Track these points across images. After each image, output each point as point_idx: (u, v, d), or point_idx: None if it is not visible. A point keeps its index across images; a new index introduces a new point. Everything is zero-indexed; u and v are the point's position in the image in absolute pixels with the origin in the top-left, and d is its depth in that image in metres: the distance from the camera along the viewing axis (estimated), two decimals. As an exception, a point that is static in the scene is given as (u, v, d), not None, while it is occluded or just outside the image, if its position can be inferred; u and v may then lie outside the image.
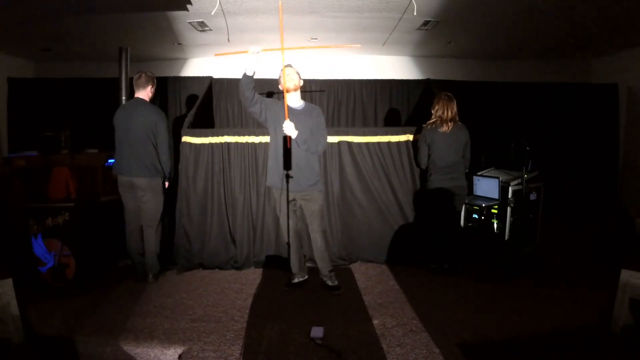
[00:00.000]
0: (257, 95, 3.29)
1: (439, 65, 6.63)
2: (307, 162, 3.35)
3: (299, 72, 3.41)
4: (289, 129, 3.17)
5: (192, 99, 5.76)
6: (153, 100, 3.79)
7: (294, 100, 3.37)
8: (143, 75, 3.66)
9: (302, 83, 3.41)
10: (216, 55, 3.72)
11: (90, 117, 5.59)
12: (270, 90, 5.67)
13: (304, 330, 2.79)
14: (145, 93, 3.68)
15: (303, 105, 3.40)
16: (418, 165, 4.06)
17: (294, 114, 3.29)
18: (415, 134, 4.15)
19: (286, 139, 3.23)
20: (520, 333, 2.78)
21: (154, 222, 3.71)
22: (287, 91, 3.31)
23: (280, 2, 3.33)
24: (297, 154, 3.30)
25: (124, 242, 3.81)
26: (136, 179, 3.59)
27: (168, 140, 3.70)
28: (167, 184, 3.82)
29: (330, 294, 3.45)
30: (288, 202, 3.39)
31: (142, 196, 3.64)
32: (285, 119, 3.18)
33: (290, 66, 3.38)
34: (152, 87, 3.73)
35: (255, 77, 3.19)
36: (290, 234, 3.50)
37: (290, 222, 3.47)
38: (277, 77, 3.49)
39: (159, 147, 3.64)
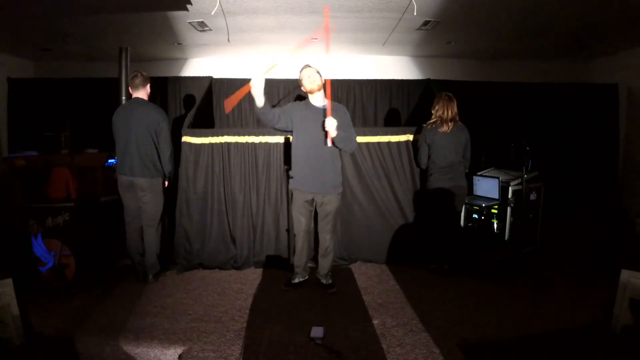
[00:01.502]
0: (277, 113, 3.25)
1: (439, 65, 6.62)
2: (333, 163, 3.35)
3: (320, 71, 3.35)
4: (332, 126, 3.09)
5: (191, 99, 5.76)
6: (153, 100, 3.80)
7: (318, 100, 3.35)
8: (139, 75, 3.66)
9: (324, 81, 3.35)
10: (227, 109, 3.49)
11: (90, 117, 5.58)
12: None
13: (304, 330, 2.79)
14: (144, 92, 3.68)
15: (326, 103, 3.38)
16: (418, 165, 4.06)
17: (319, 113, 3.28)
18: (415, 134, 4.15)
19: (325, 137, 3.16)
20: (520, 333, 2.79)
21: (154, 221, 3.71)
22: (312, 92, 3.30)
23: (326, 6, 3.24)
24: (324, 154, 3.29)
25: (124, 242, 3.82)
26: (137, 179, 3.59)
27: (170, 139, 3.70)
28: (166, 183, 3.82)
29: (327, 293, 3.46)
30: (289, 198, 3.39)
31: (143, 196, 3.64)
32: (308, 119, 3.21)
33: (309, 66, 3.33)
34: (149, 85, 3.73)
35: (249, 77, 3.13)
36: (302, 233, 3.50)
37: (304, 221, 3.47)
38: (297, 78, 3.45)
39: (161, 146, 3.64)
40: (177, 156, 4.06)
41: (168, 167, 3.71)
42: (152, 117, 3.58)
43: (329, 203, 3.40)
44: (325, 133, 3.14)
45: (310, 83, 3.29)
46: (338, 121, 3.23)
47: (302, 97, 3.78)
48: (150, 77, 3.75)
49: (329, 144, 3.16)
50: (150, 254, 3.73)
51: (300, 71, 3.36)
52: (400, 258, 4.11)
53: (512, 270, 3.86)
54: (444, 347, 2.60)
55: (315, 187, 3.35)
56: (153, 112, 3.62)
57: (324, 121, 3.14)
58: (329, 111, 3.14)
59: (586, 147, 6.07)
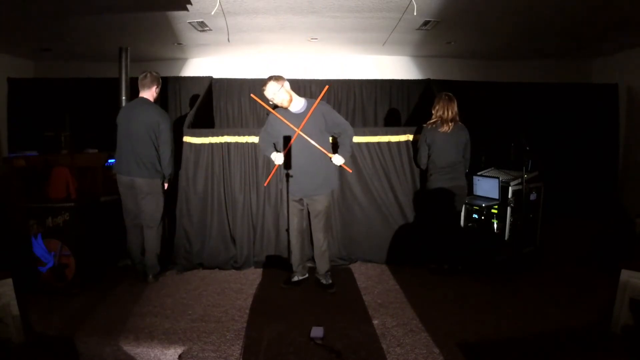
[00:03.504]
0: (269, 140, 3.46)
1: (439, 65, 6.62)
2: (322, 164, 3.37)
3: (278, 78, 3.26)
4: (339, 161, 3.35)
5: (192, 99, 5.76)
6: (155, 100, 3.79)
7: (295, 105, 3.34)
8: (149, 75, 3.65)
9: (288, 86, 3.30)
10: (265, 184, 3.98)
11: (90, 117, 5.58)
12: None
13: (304, 330, 2.79)
14: (149, 93, 3.67)
15: (305, 106, 3.37)
16: (418, 165, 4.06)
17: (299, 118, 3.28)
18: (415, 134, 4.15)
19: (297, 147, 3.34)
20: (520, 333, 2.79)
21: (154, 222, 3.71)
22: (287, 107, 3.30)
23: (326, 86, 3.59)
24: (312, 157, 3.32)
25: (124, 242, 3.81)
26: (136, 179, 3.59)
27: (171, 141, 3.67)
28: (166, 185, 3.81)
29: (327, 293, 3.47)
30: (288, 201, 3.41)
31: (142, 197, 3.63)
32: (290, 125, 3.26)
33: (267, 84, 3.25)
34: (157, 87, 3.71)
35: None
36: (294, 232, 3.51)
37: (295, 220, 3.48)
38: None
39: (161, 149, 3.62)
40: (178, 156, 4.06)
41: (168, 170, 3.69)
42: (151, 118, 3.57)
43: (319, 202, 3.42)
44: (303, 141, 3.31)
45: (281, 102, 3.28)
46: (319, 122, 3.32)
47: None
48: (160, 77, 3.72)
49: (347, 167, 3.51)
50: (150, 255, 3.72)
51: (264, 92, 3.29)
52: (400, 258, 4.11)
53: (512, 270, 3.86)
54: (444, 347, 2.60)
55: (302, 191, 3.39)
56: (153, 113, 3.59)
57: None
58: (307, 115, 3.26)
59: (586, 147, 6.07)
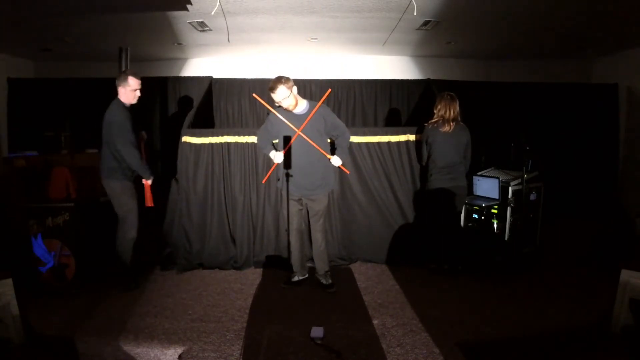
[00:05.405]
0: (268, 139, 3.48)
1: (439, 65, 6.63)
2: (320, 164, 3.38)
3: (287, 81, 3.19)
4: (337, 162, 3.38)
5: (191, 99, 5.76)
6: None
7: (298, 108, 3.34)
8: (122, 75, 3.51)
9: (296, 90, 3.27)
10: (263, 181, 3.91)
11: (90, 117, 5.53)
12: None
13: (304, 330, 2.79)
14: (120, 91, 3.50)
15: (306, 107, 3.37)
16: (419, 160, 4.07)
17: (299, 119, 3.29)
18: (416, 134, 4.14)
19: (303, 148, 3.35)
20: (520, 333, 2.79)
21: (121, 220, 3.58)
22: (292, 109, 3.30)
23: (329, 90, 3.60)
24: (310, 158, 3.33)
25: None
26: (102, 180, 3.51)
27: (126, 141, 3.40)
28: (150, 181, 3.63)
29: (327, 293, 3.47)
30: (288, 201, 3.42)
31: (107, 197, 3.55)
32: (291, 126, 3.27)
33: (274, 88, 3.18)
34: (125, 87, 3.48)
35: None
36: (294, 232, 3.52)
37: (295, 220, 3.49)
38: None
39: (118, 149, 3.40)
40: (175, 156, 4.06)
41: (142, 173, 3.52)
42: (109, 118, 3.41)
43: (317, 201, 3.43)
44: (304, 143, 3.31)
45: (288, 105, 3.26)
46: (318, 125, 3.32)
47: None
48: (129, 77, 3.49)
49: (345, 168, 3.57)
50: (120, 259, 3.57)
51: (272, 94, 3.23)
52: (400, 258, 4.11)
53: (512, 270, 3.86)
54: (444, 347, 2.60)
55: (300, 191, 3.40)
56: (110, 114, 3.43)
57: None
58: (308, 118, 3.26)
59: (586, 147, 6.07)
